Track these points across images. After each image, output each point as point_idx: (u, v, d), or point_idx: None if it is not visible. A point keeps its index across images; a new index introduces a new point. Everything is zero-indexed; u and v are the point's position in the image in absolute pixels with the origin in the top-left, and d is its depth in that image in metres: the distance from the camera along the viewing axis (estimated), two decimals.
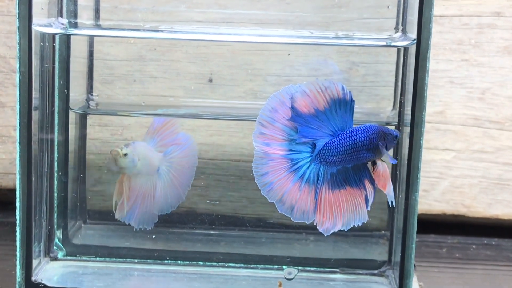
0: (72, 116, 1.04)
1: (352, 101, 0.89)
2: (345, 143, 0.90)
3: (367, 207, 0.92)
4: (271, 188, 0.90)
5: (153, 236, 1.04)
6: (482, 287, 1.06)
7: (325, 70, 1.03)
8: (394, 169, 0.99)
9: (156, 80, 1.08)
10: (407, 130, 0.93)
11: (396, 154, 0.99)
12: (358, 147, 0.90)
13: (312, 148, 0.90)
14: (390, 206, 0.92)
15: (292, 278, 1.00)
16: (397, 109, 1.01)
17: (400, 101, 0.99)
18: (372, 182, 0.92)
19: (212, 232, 1.06)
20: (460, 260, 1.15)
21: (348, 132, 0.90)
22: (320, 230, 0.92)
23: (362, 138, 0.90)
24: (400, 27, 0.98)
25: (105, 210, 1.02)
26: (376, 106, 1.06)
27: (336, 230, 0.91)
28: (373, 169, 0.92)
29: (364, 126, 0.91)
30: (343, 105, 0.89)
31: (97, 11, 1.02)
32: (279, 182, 0.90)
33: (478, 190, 1.21)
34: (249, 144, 1.02)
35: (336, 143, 0.90)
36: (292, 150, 0.90)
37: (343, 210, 0.91)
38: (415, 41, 0.90)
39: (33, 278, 0.95)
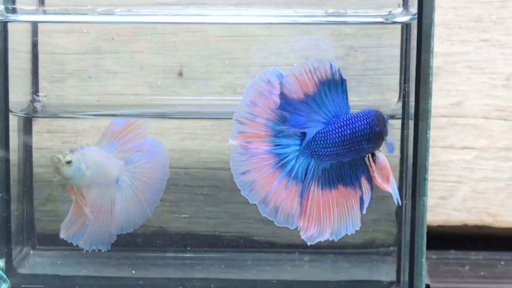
0: (14, 122, 1.00)
1: (342, 80, 0.85)
2: (342, 132, 0.86)
3: (362, 210, 0.88)
4: (253, 188, 0.87)
5: (115, 262, 1.02)
6: None
7: (318, 55, 0.97)
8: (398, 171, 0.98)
9: (115, 76, 1.05)
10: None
11: (399, 151, 0.97)
12: (357, 136, 0.87)
13: (301, 139, 0.87)
14: (397, 204, 0.88)
15: None
16: None
17: (404, 90, 0.96)
18: (370, 180, 0.88)
19: (186, 255, 1.04)
20: (486, 279, 1.11)
21: (344, 119, 0.87)
22: (303, 237, 0.88)
23: (362, 126, 0.87)
24: (401, 2, 0.95)
25: (58, 232, 0.97)
26: (379, 97, 1.04)
27: (322, 240, 0.87)
28: (374, 162, 0.88)
29: (363, 112, 0.87)
30: (333, 86, 0.85)
31: None
32: (263, 180, 0.87)
33: (506, 196, 1.16)
34: (229, 148, 1.00)
35: (330, 132, 0.86)
36: (278, 145, 0.87)
37: (333, 215, 0.87)
38: (416, 16, 0.88)
39: None
